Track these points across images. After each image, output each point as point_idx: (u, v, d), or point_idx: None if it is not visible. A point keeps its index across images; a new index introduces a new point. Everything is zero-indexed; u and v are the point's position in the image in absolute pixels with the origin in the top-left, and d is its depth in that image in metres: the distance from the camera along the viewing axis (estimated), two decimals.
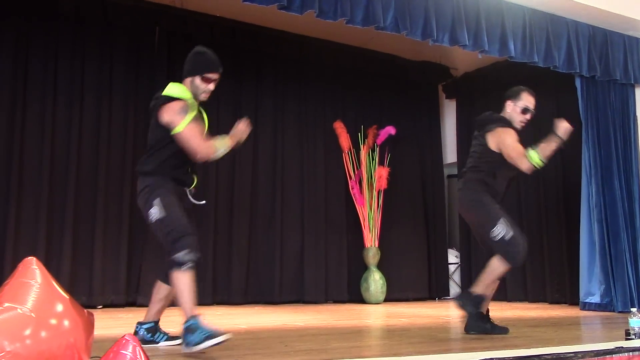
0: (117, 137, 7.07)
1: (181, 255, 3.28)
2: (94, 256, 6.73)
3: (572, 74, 6.61)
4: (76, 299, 6.65)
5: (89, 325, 2.34)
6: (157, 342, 3.67)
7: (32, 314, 2.09)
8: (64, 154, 6.76)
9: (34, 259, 2.30)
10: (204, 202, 3.67)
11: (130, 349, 2.00)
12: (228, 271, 7.49)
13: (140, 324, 3.71)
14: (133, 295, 6.90)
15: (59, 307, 2.19)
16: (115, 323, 5.10)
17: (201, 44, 7.75)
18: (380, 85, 8.92)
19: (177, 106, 3.48)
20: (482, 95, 8.96)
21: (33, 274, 2.26)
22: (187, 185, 3.63)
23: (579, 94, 6.69)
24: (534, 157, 4.08)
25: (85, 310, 2.37)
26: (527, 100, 4.38)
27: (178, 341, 3.60)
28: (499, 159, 4.25)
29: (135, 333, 3.66)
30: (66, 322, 2.16)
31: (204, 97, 3.66)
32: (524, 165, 4.12)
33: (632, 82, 6.87)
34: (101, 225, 6.82)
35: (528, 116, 4.38)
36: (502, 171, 4.28)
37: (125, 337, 2.03)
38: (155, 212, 3.37)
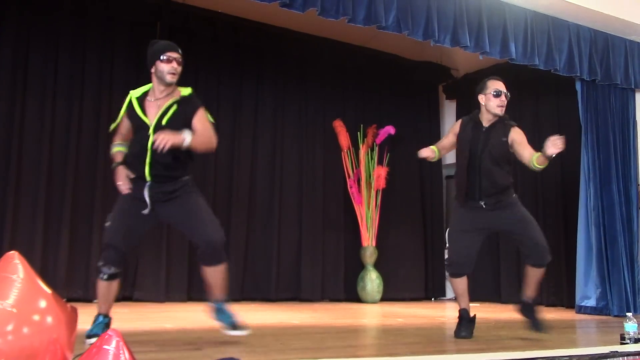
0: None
1: (99, 265, 3.61)
2: (91, 250, 6.71)
3: (573, 78, 6.61)
4: (73, 293, 6.67)
5: (72, 320, 2.32)
6: (221, 322, 3.70)
7: (14, 310, 2.07)
8: (62, 149, 6.74)
9: (16, 253, 2.27)
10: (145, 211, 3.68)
11: (113, 344, 1.99)
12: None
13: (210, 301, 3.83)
14: (130, 289, 6.89)
15: (42, 303, 2.17)
16: None
17: (202, 40, 7.78)
18: (381, 84, 8.92)
19: None
20: None
21: (15, 269, 2.23)
22: (139, 178, 3.66)
23: (579, 98, 6.69)
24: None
25: (68, 305, 2.35)
26: (493, 85, 4.41)
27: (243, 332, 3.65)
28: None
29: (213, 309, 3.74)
30: (49, 318, 2.14)
31: (169, 77, 3.69)
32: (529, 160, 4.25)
33: (633, 86, 6.87)
34: (99, 220, 6.79)
35: (502, 97, 4.37)
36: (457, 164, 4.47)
37: (108, 332, 2.02)
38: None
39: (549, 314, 6.50)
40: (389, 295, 8.36)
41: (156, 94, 3.71)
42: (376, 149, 8.43)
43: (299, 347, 3.52)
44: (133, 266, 6.94)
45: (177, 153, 3.55)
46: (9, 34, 6.58)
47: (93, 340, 3.32)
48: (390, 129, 8.38)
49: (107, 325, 3.55)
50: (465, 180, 4.24)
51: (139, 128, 3.64)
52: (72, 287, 6.55)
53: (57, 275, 6.47)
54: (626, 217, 6.62)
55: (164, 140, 3.37)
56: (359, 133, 8.42)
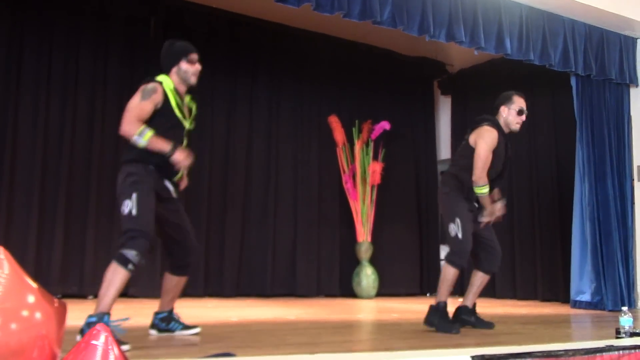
0: (110, 128, 7.00)
1: (132, 254, 3.33)
2: (86, 246, 6.70)
3: (568, 73, 6.61)
4: (67, 289, 6.64)
5: (61, 315, 2.29)
6: (173, 331, 3.72)
7: (2, 305, 2.04)
8: (57, 145, 6.72)
9: (1, 248, 2.23)
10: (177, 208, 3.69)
11: (102, 339, 1.97)
12: (220, 263, 7.48)
13: (155, 313, 3.78)
14: (125, 286, 6.86)
15: (30, 298, 2.13)
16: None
17: (197, 36, 7.76)
18: (376, 80, 8.91)
19: (144, 85, 3.55)
20: (477, 92, 8.96)
21: (0, 264, 2.19)
22: (169, 176, 3.60)
23: (574, 93, 6.69)
24: (480, 190, 4.27)
25: (55, 300, 2.32)
26: (519, 102, 4.52)
27: (194, 330, 3.71)
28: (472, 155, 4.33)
29: (152, 324, 3.74)
30: (37, 314, 2.10)
31: (194, 79, 3.69)
32: (475, 177, 4.25)
33: (627, 82, 6.88)
34: (93, 216, 6.80)
35: (523, 117, 4.50)
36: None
37: (96, 327, 2.00)
38: (128, 206, 3.40)
39: (544, 309, 6.53)
40: (385, 290, 8.37)
41: (180, 93, 3.68)
42: (371, 144, 8.43)
43: (295, 343, 3.51)
44: None
45: None
46: (2, 32, 6.55)
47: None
48: (385, 125, 8.38)
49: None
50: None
51: (174, 126, 3.59)
52: (67, 284, 6.53)
53: (51, 272, 6.45)
54: (621, 213, 6.63)
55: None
56: (354, 129, 8.41)
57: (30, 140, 6.57)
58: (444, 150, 9.70)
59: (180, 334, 3.71)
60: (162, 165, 3.50)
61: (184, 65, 3.66)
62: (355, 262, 8.25)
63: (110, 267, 3.38)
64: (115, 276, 3.35)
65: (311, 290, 7.97)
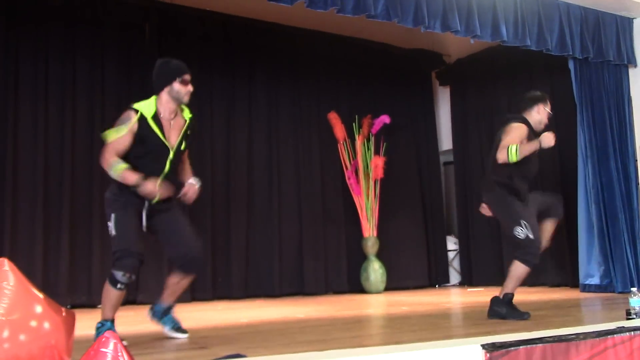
0: None
1: (119, 275, 3.44)
2: (93, 255, 6.70)
3: (565, 57, 6.58)
4: (76, 298, 6.65)
5: (69, 324, 2.29)
6: (163, 325, 3.80)
7: (3, 318, 2.03)
8: (58, 154, 6.72)
9: (5, 260, 2.22)
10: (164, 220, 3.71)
11: (111, 346, 1.97)
12: (227, 265, 7.48)
13: (155, 303, 3.87)
14: (133, 293, 6.86)
15: (37, 309, 2.14)
16: (115, 321, 5.07)
17: (192, 39, 7.75)
18: (374, 74, 8.89)
19: (123, 115, 3.58)
20: (476, 81, 8.95)
21: (5, 276, 2.19)
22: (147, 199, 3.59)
23: (573, 76, 6.67)
24: (511, 152, 4.22)
25: (63, 309, 2.32)
26: (549, 106, 4.61)
27: (182, 335, 3.75)
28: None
29: (151, 307, 3.86)
30: (46, 324, 2.11)
31: (186, 99, 3.70)
32: (500, 156, 4.27)
33: (626, 62, 6.85)
34: (98, 224, 6.78)
35: (548, 118, 4.59)
36: (521, 165, 4.34)
37: (105, 334, 2.00)
38: (110, 227, 3.56)
39: (553, 295, 6.52)
40: (393, 284, 8.36)
41: (166, 114, 3.65)
42: (372, 139, 8.41)
43: (305, 341, 3.51)
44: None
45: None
46: None
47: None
48: (385, 118, 8.36)
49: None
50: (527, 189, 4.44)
51: (157, 149, 3.59)
52: (75, 294, 6.54)
53: (59, 283, 6.46)
54: (625, 194, 6.60)
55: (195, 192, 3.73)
56: (354, 124, 8.39)
57: (31, 151, 6.57)
58: (446, 141, 9.69)
59: (167, 332, 3.78)
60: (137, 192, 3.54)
61: (176, 85, 3.64)
62: (362, 258, 8.24)
63: (104, 285, 3.54)
64: (109, 294, 3.52)
65: (319, 287, 7.97)
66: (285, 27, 7.95)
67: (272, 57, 8.11)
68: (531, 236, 4.23)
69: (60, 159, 6.72)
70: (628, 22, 6.95)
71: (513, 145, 4.22)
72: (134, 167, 3.51)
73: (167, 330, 3.79)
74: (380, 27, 6.70)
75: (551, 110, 4.61)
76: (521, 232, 4.24)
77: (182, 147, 3.69)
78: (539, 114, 4.52)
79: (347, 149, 8.33)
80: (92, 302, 6.57)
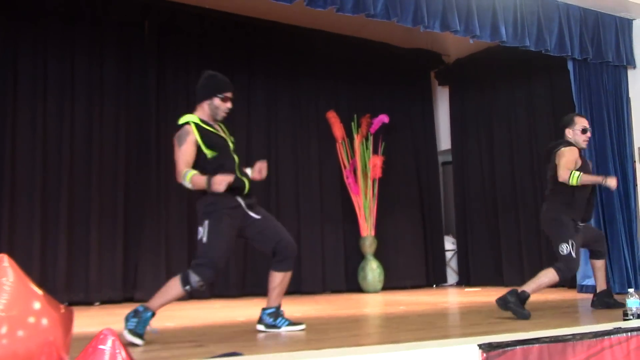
0: (109, 132, 7.03)
1: (194, 280, 3.48)
2: (90, 253, 6.70)
3: (565, 57, 6.58)
4: (73, 296, 6.65)
5: (67, 321, 2.29)
6: (279, 327, 3.87)
7: (3, 314, 2.04)
8: (56, 151, 6.72)
9: (5, 256, 2.22)
10: (259, 217, 3.87)
11: (109, 343, 1.97)
12: (225, 264, 7.45)
13: (263, 309, 3.93)
14: (130, 290, 6.88)
15: (36, 305, 2.13)
16: (113, 319, 5.07)
17: (191, 37, 7.73)
18: (373, 73, 8.89)
19: (180, 131, 3.68)
20: (475, 81, 8.95)
21: (4, 272, 2.19)
22: (240, 192, 3.74)
23: (572, 77, 6.67)
24: (573, 177, 4.49)
25: (61, 306, 2.32)
26: (580, 122, 4.80)
27: (300, 327, 3.88)
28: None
29: (260, 319, 3.90)
30: (44, 320, 2.10)
31: (222, 115, 3.83)
32: (562, 174, 4.52)
33: (625, 63, 6.85)
34: (96, 222, 6.79)
35: (588, 134, 4.82)
36: (579, 190, 4.60)
37: (103, 331, 2.00)
38: (200, 232, 3.60)
39: (551, 295, 6.52)
40: (391, 283, 8.37)
41: (208, 121, 3.81)
42: (371, 138, 8.41)
43: (302, 339, 3.51)
44: (133, 266, 6.94)
45: None
46: None
47: (137, 341, 3.36)
48: (384, 118, 8.36)
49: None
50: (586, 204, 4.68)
51: (223, 147, 3.75)
52: (73, 291, 6.54)
53: (57, 280, 6.46)
54: (624, 195, 6.61)
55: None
56: (352, 123, 8.39)
57: (30, 148, 6.58)
58: (444, 141, 9.69)
59: (286, 329, 3.85)
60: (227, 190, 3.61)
61: (216, 101, 3.78)
62: (360, 257, 8.24)
63: (174, 279, 3.54)
64: (173, 290, 3.53)
65: (317, 286, 7.97)
66: (284, 25, 7.94)
67: (271, 55, 8.11)
68: (574, 255, 4.47)
69: (58, 157, 6.72)
70: (627, 24, 6.96)
71: (576, 172, 4.50)
72: (213, 171, 3.58)
73: (284, 329, 3.85)
74: (379, 27, 6.70)
75: (586, 125, 4.80)
76: (566, 249, 4.47)
77: (232, 141, 3.86)
78: (571, 136, 4.77)
79: (346, 148, 8.33)
80: (89, 300, 6.57)
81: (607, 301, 4.83)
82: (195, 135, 3.63)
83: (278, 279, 3.93)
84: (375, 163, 8.30)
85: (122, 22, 7.19)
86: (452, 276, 9.40)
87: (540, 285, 4.47)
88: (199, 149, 3.64)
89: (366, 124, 8.41)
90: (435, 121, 9.71)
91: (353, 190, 8.29)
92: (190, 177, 3.53)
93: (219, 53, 7.74)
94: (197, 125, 3.68)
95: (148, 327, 3.45)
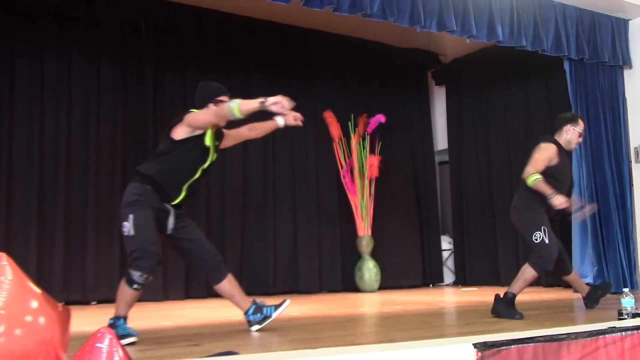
0: (106, 132, 7.03)
1: (136, 276, 3.48)
2: (87, 252, 6.70)
3: (561, 57, 6.60)
4: (70, 295, 6.65)
5: (65, 320, 2.29)
6: (270, 315, 3.90)
7: (3, 312, 2.04)
8: (53, 151, 6.71)
9: (4, 255, 2.23)
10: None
11: (106, 341, 1.97)
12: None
13: (244, 314, 3.92)
14: None
15: (33, 304, 2.14)
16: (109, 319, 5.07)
17: (188, 37, 7.73)
18: (370, 73, 8.89)
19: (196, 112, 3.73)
20: (471, 81, 8.97)
21: (3, 271, 2.19)
22: (170, 201, 3.68)
23: (568, 77, 6.68)
24: (531, 178, 4.44)
25: (59, 305, 2.32)
26: (581, 125, 4.78)
27: (286, 303, 3.96)
28: (546, 171, 4.53)
29: (249, 323, 3.89)
30: (41, 319, 2.11)
31: (222, 121, 3.78)
32: (526, 170, 4.51)
33: (621, 63, 6.87)
34: (92, 222, 6.79)
35: (581, 139, 4.84)
36: (553, 183, 4.51)
37: (100, 330, 2.00)
38: (126, 227, 3.55)
39: (547, 295, 6.54)
40: (387, 283, 8.38)
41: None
42: (367, 138, 8.42)
43: (298, 338, 3.52)
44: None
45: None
46: None
47: (128, 340, 3.38)
48: (380, 118, 8.37)
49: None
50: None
51: (198, 156, 3.74)
52: (69, 291, 6.53)
53: (53, 279, 6.46)
54: (619, 195, 6.63)
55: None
56: (349, 123, 8.40)
57: (27, 147, 6.57)
58: (441, 141, 9.70)
59: (277, 313, 3.89)
60: (158, 189, 3.62)
61: (212, 107, 3.76)
62: (357, 257, 8.25)
63: (121, 284, 3.57)
64: (124, 293, 3.55)
65: (314, 286, 7.97)
66: (281, 25, 7.95)
67: (268, 55, 8.11)
68: (546, 241, 4.41)
69: (55, 156, 6.71)
70: (623, 24, 6.97)
71: (539, 176, 4.44)
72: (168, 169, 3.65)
73: (275, 313, 3.91)
74: (376, 26, 6.71)
75: (583, 130, 4.79)
76: (539, 236, 4.42)
77: (214, 157, 3.81)
78: (568, 134, 4.71)
79: (343, 148, 8.33)
80: (86, 299, 6.57)
81: (596, 297, 4.84)
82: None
83: (226, 288, 3.90)
84: (372, 163, 8.31)
85: (120, 22, 7.18)
86: (448, 276, 9.41)
87: (524, 283, 4.44)
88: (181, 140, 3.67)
89: (363, 124, 8.42)
90: (432, 121, 9.72)
91: (350, 190, 8.30)
92: (237, 106, 3.48)
93: (216, 53, 7.74)
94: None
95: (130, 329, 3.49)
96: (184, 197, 3.72)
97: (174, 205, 3.70)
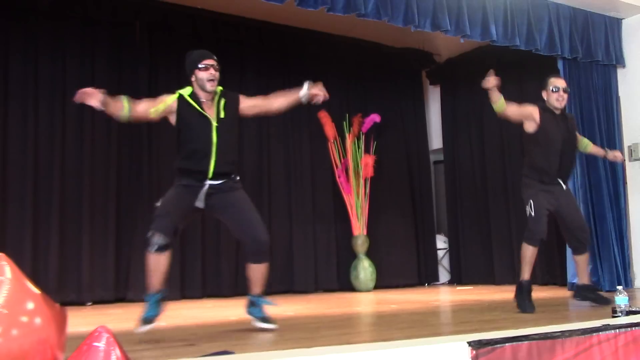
0: (100, 132, 7.02)
1: (149, 236, 3.60)
2: (82, 253, 6.69)
3: (555, 57, 6.62)
4: (65, 296, 6.64)
5: (62, 321, 2.30)
6: (250, 315, 3.95)
7: (4, 310, 2.05)
8: (48, 151, 6.70)
9: (3, 255, 2.24)
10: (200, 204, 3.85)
11: (103, 340, 1.98)
12: (217, 263, 7.47)
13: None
14: (122, 290, 6.87)
15: (31, 304, 2.14)
16: (105, 319, 5.07)
17: (182, 37, 7.73)
18: (364, 73, 8.90)
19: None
20: (466, 81, 8.97)
21: (2, 270, 2.20)
22: (200, 176, 3.77)
23: (562, 76, 6.70)
24: (498, 102, 4.70)
25: (57, 305, 2.33)
26: (552, 82, 4.80)
27: (269, 326, 3.85)
28: (530, 138, 4.77)
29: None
30: (38, 319, 2.11)
31: (210, 85, 3.87)
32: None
33: (614, 62, 6.90)
34: (88, 221, 6.78)
35: (561, 92, 4.77)
36: (539, 149, 4.71)
37: (98, 329, 2.00)
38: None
39: (542, 293, 6.55)
40: (383, 282, 8.39)
41: (201, 99, 3.88)
42: (362, 137, 8.43)
43: (293, 338, 3.52)
44: (125, 266, 6.93)
45: (236, 148, 3.96)
46: None
47: (149, 326, 3.51)
48: (375, 117, 8.38)
49: (162, 299, 3.71)
50: (558, 164, 4.70)
51: (199, 124, 3.80)
52: (65, 291, 6.51)
53: (48, 280, 6.44)
54: (613, 194, 6.66)
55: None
56: (344, 122, 8.41)
57: (21, 148, 6.55)
58: (436, 140, 9.72)
59: (255, 323, 3.87)
60: (189, 167, 3.80)
61: (198, 73, 3.86)
62: (352, 256, 8.26)
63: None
64: (148, 263, 3.70)
65: (309, 285, 7.98)
66: (275, 25, 7.95)
67: (262, 55, 8.11)
68: (532, 214, 4.56)
69: (50, 156, 6.70)
70: (617, 23, 7.00)
71: (502, 102, 4.69)
72: (184, 159, 3.81)
73: (253, 320, 3.90)
74: (370, 26, 6.72)
75: (557, 85, 4.76)
76: (527, 210, 4.62)
77: (222, 115, 3.86)
78: (546, 96, 4.80)
79: (338, 148, 8.34)
80: (81, 300, 6.56)
81: (586, 295, 4.86)
82: (171, 102, 3.81)
83: (249, 270, 3.95)
84: (367, 162, 8.32)
85: (114, 21, 7.17)
86: (444, 275, 9.43)
87: (526, 264, 4.59)
88: (177, 123, 3.83)
89: (358, 124, 8.42)
90: (427, 120, 9.74)
91: (345, 190, 8.30)
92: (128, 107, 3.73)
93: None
94: (181, 98, 3.83)
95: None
96: (213, 168, 3.77)
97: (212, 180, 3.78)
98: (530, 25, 6.27)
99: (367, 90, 8.94)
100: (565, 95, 4.79)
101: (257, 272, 3.90)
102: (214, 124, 3.81)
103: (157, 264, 3.63)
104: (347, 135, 8.37)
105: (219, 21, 7.70)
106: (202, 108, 3.83)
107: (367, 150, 8.45)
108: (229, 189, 3.88)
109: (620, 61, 6.95)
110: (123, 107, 3.74)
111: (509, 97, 8.31)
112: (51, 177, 6.67)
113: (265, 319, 3.86)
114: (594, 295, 4.85)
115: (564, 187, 4.77)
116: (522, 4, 6.25)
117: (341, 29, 8.18)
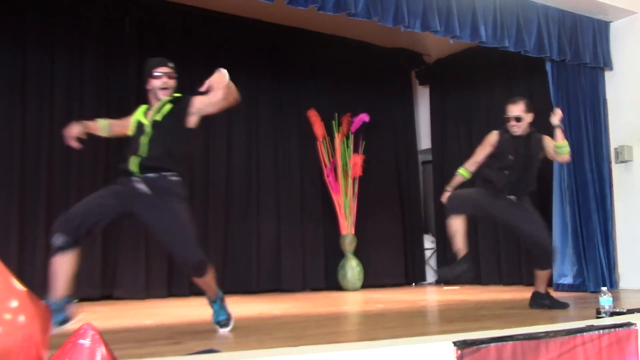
0: None
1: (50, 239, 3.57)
2: None
3: (543, 59, 6.66)
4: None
5: (47, 318, 2.28)
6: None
7: None
8: (35, 147, 6.65)
9: None
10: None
11: (89, 338, 1.96)
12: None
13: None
14: (109, 288, 6.84)
15: (15, 302, 2.13)
16: (91, 317, 5.03)
17: (172, 34, 7.71)
18: (354, 72, 8.91)
19: None
20: (455, 81, 9.01)
21: None
22: (124, 173, 3.80)
23: (550, 78, 6.75)
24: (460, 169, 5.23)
25: (42, 303, 2.31)
26: (506, 111, 4.93)
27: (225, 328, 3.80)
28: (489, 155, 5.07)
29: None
30: (22, 317, 2.08)
31: (162, 94, 3.86)
32: None
33: (602, 65, 6.95)
34: None
35: (512, 122, 4.89)
36: (492, 163, 5.01)
37: (83, 326, 1.99)
38: None
39: (528, 293, 6.58)
40: (370, 282, 8.40)
41: (152, 106, 3.90)
42: (351, 137, 8.44)
43: (280, 337, 3.53)
44: (112, 264, 6.89)
45: (171, 148, 3.78)
46: None
47: (64, 326, 3.41)
48: (364, 117, 8.39)
49: (66, 305, 3.54)
50: (507, 179, 4.86)
51: (136, 129, 3.83)
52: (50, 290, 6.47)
53: (34, 278, 6.38)
54: (600, 195, 6.70)
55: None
56: (333, 122, 8.41)
57: (7, 144, 6.49)
58: (424, 140, 9.75)
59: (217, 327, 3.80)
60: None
61: (152, 82, 3.86)
62: (340, 255, 8.26)
63: None
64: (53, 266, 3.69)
65: (297, 284, 7.98)
66: (265, 23, 7.94)
67: (252, 53, 8.09)
68: (457, 194, 5.00)
69: (37, 153, 6.65)
70: (605, 26, 7.05)
71: (462, 169, 5.30)
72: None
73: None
74: (360, 26, 6.72)
75: (514, 116, 4.86)
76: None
77: (158, 118, 3.79)
78: (507, 123, 4.92)
79: (326, 147, 8.35)
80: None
81: (541, 302, 4.85)
82: (132, 117, 3.92)
83: (194, 281, 3.94)
84: (356, 162, 8.33)
85: (103, 17, 7.14)
86: (431, 275, 9.46)
87: (455, 235, 4.96)
88: None
89: (347, 123, 8.44)
90: (416, 120, 9.77)
91: (333, 189, 8.31)
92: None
93: (200, 50, 7.71)
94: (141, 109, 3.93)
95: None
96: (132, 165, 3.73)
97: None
98: (520, 27, 6.31)
99: (357, 90, 8.94)
100: (520, 123, 4.83)
101: (198, 282, 3.87)
102: (148, 126, 3.77)
103: (59, 267, 3.47)
104: (336, 134, 8.38)
105: (209, 18, 7.69)
106: (145, 115, 3.85)
107: (355, 150, 8.46)
108: (161, 192, 3.69)
109: (607, 64, 7.00)
110: (100, 128, 4.09)
111: (497, 98, 8.41)
112: (38, 172, 6.62)
113: (219, 323, 3.79)
114: (549, 301, 4.84)
115: (516, 200, 4.85)
116: (511, 6, 6.28)
117: (331, 27, 8.19)
